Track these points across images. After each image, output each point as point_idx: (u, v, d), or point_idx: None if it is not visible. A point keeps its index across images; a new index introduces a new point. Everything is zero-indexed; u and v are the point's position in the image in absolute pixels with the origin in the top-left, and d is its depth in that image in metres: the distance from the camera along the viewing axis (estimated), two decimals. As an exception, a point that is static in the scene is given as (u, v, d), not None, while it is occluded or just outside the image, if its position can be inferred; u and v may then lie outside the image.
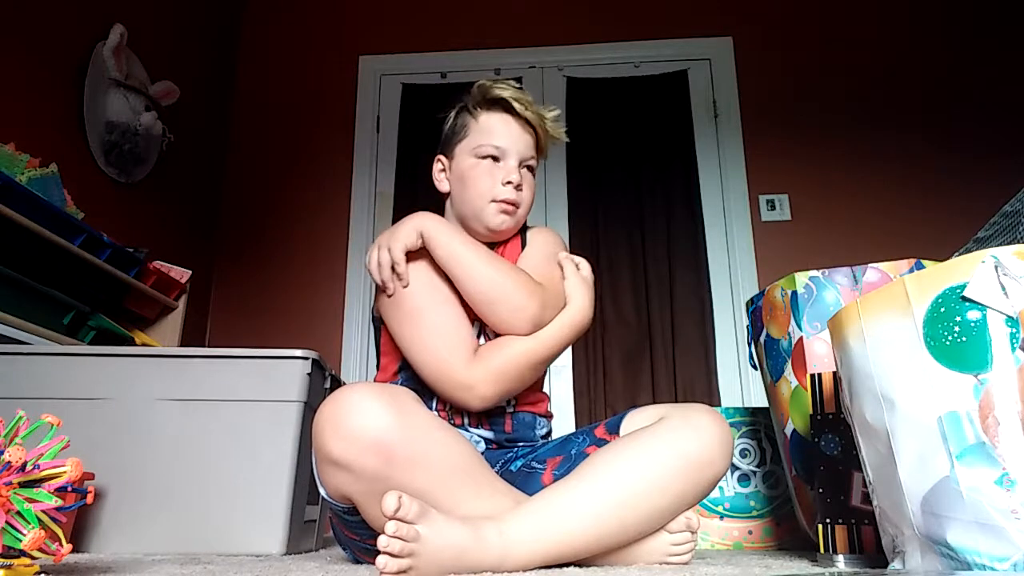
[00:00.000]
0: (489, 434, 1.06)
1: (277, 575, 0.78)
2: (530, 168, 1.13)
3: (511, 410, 1.07)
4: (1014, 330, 0.65)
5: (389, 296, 1.02)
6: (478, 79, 1.16)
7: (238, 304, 2.79)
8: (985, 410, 0.64)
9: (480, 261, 1.01)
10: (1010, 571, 0.61)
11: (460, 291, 1.02)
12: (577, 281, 1.08)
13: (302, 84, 3.01)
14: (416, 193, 2.82)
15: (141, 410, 1.21)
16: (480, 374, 0.97)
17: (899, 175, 2.70)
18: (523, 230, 1.18)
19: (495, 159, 1.10)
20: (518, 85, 1.14)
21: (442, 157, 1.17)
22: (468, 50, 2.96)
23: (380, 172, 2.89)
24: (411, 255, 1.02)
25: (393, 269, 1.00)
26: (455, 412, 1.05)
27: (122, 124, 2.15)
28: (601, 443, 0.99)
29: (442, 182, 1.17)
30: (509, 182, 1.09)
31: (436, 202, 1.22)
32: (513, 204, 1.10)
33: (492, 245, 1.16)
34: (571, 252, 1.20)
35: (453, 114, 1.17)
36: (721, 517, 1.56)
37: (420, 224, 1.02)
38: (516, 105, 1.11)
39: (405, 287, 1.01)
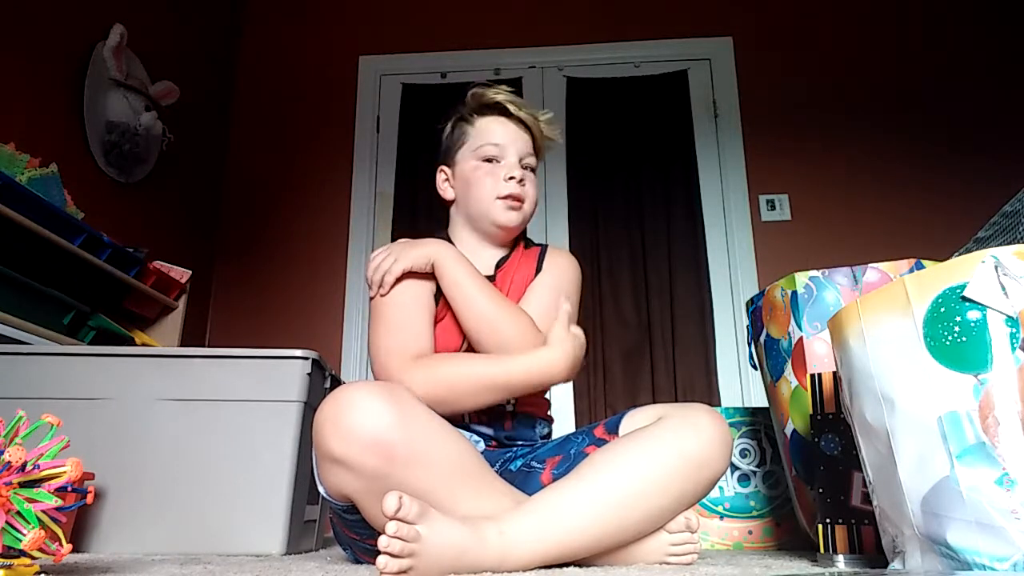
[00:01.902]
0: (489, 431, 1.07)
1: (277, 575, 0.78)
2: (531, 168, 1.16)
3: (510, 409, 1.08)
4: (1014, 330, 0.65)
5: (371, 298, 1.07)
6: (478, 79, 1.20)
7: (238, 304, 2.79)
8: (985, 410, 0.64)
9: (482, 294, 1.03)
10: (1010, 571, 0.61)
11: (459, 320, 1.04)
12: (563, 333, 1.01)
13: (302, 84, 3.01)
14: (416, 193, 2.82)
15: (141, 410, 1.21)
16: (412, 376, 0.96)
17: (899, 175, 2.70)
18: (540, 248, 1.20)
19: (496, 159, 1.14)
20: (511, 89, 1.18)
21: (444, 167, 1.20)
22: (468, 50, 2.96)
23: (380, 172, 2.89)
24: (411, 273, 1.05)
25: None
26: None
27: (122, 124, 2.15)
28: (600, 443, 0.99)
29: (446, 190, 1.19)
30: (512, 177, 1.12)
31: (436, 203, 1.23)
32: (518, 199, 1.12)
33: (506, 255, 1.16)
34: (571, 253, 1.21)
35: (450, 125, 1.20)
36: (721, 517, 1.56)
37: (435, 253, 1.05)
38: (510, 107, 1.15)
39: (383, 296, 1.04)
